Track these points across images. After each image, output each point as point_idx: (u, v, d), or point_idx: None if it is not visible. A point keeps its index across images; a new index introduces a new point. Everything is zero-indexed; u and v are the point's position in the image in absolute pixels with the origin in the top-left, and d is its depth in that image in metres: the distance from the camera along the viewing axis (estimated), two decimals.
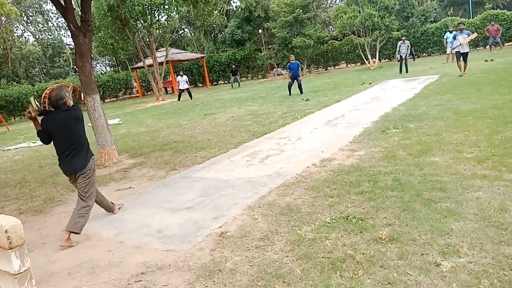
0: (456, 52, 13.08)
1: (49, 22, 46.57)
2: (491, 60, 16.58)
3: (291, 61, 15.54)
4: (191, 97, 21.24)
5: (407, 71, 17.18)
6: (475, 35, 13.60)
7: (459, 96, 8.89)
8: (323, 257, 2.94)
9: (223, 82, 33.20)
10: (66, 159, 4.11)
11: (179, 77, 21.92)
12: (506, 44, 24.83)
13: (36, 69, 44.11)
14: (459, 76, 12.46)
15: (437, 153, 5.04)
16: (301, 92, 15.26)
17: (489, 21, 23.24)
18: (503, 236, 2.86)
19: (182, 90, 21.65)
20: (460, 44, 12.61)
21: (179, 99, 21.51)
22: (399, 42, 17.72)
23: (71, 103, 4.15)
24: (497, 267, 2.51)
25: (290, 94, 15.37)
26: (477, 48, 26.17)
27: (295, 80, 15.21)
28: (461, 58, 12.90)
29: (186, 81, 21.73)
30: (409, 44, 17.37)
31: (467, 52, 12.83)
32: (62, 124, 4.03)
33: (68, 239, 3.96)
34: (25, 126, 19.56)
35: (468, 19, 28.65)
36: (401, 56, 17.30)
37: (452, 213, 3.31)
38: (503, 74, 11.58)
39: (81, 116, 4.14)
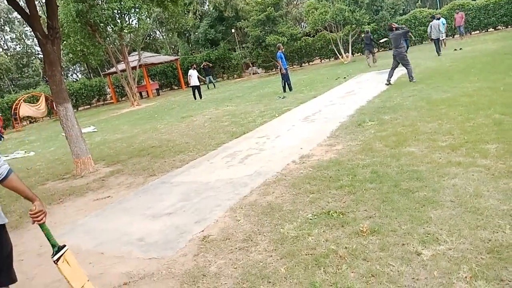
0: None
1: (15, 31, 45.24)
2: (460, 49, 17.02)
3: (281, 50, 14.31)
4: (200, 96, 19.22)
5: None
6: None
7: (431, 86, 9.08)
8: (306, 254, 2.94)
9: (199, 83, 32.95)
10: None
11: (191, 70, 19.56)
12: (473, 32, 25.53)
13: (4, 80, 42.80)
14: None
15: (413, 143, 5.13)
16: (290, 89, 14.43)
17: (455, 10, 23.84)
18: (479, 221, 2.93)
19: (196, 87, 19.28)
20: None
21: (195, 98, 19.12)
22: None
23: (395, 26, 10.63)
24: (475, 252, 2.57)
25: (291, 89, 14.47)
26: (446, 38, 26.79)
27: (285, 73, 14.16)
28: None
29: (198, 77, 19.50)
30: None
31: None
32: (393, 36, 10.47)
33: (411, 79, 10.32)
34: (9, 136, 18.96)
35: (436, 9, 29.32)
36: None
37: (430, 202, 3.37)
38: (472, 62, 11.89)
39: (402, 35, 10.54)
